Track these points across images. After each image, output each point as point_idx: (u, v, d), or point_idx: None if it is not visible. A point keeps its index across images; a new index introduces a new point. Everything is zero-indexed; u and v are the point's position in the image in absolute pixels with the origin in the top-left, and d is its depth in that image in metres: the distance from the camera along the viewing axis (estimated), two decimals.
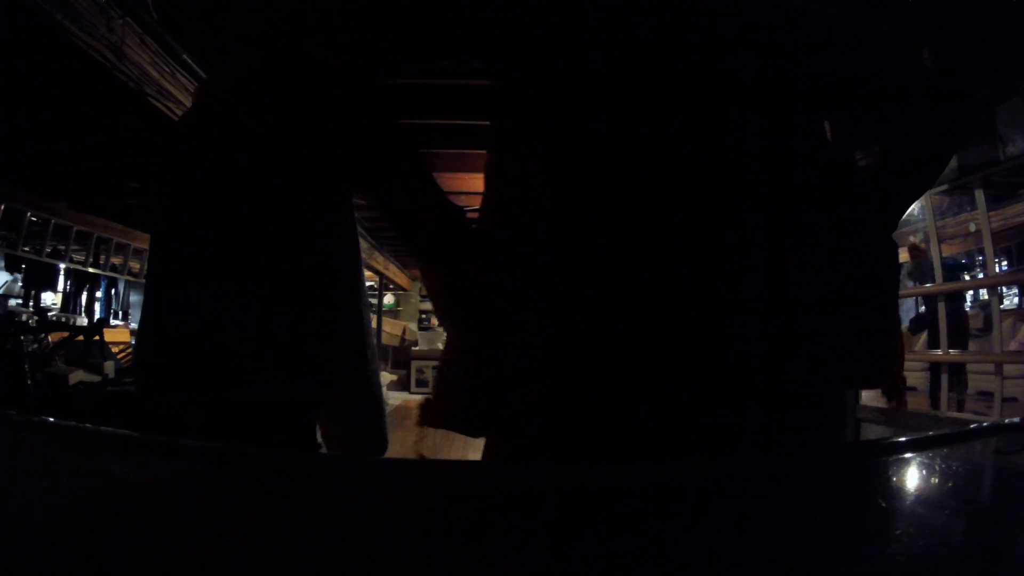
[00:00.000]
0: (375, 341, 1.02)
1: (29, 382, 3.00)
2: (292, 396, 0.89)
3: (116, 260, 7.46)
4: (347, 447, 0.99)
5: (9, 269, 6.41)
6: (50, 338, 3.64)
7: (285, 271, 0.91)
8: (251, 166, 0.92)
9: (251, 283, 0.89)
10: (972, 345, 4.07)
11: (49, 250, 6.42)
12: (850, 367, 0.70)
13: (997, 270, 4.33)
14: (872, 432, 3.61)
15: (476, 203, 0.72)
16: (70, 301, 7.54)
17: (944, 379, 3.50)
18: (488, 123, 0.73)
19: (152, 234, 1.02)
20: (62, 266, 7.06)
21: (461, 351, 0.71)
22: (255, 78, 1.04)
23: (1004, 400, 3.22)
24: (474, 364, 0.68)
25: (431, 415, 0.70)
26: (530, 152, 0.67)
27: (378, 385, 1.03)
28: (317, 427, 0.96)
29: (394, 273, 8.06)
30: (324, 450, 0.97)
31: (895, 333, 0.79)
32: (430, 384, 0.79)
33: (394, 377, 7.79)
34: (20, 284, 6.64)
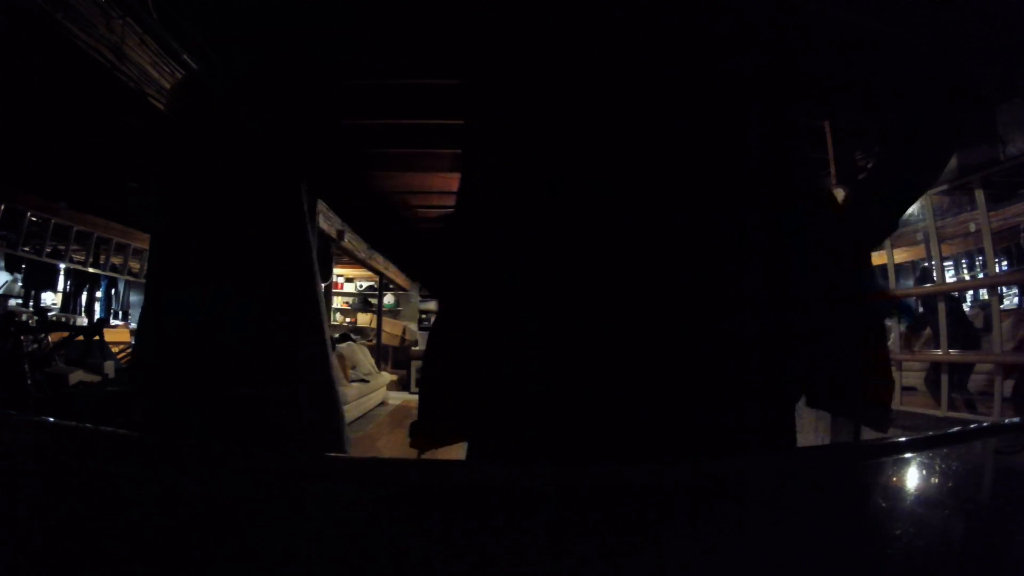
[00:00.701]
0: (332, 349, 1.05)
1: (29, 382, 3.00)
2: (272, 397, 0.91)
3: (116, 260, 7.45)
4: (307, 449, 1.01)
5: (9, 269, 6.40)
6: (50, 338, 3.64)
7: (268, 273, 0.93)
8: (243, 167, 0.93)
9: (242, 284, 0.91)
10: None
11: (49, 250, 6.42)
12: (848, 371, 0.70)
13: (997, 270, 4.32)
14: (872, 432, 3.61)
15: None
16: (70, 301, 7.53)
17: (944, 379, 3.50)
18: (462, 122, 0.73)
19: (152, 234, 1.02)
20: (62, 266, 7.05)
21: (453, 354, 0.70)
22: (253, 77, 1.04)
23: (1004, 400, 3.22)
24: (472, 365, 0.68)
25: (428, 435, 0.69)
26: (529, 152, 0.67)
27: (338, 391, 1.05)
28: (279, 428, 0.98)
29: (394, 273, 8.04)
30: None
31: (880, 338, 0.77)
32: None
33: (394, 377, 7.76)
34: (20, 284, 6.63)
